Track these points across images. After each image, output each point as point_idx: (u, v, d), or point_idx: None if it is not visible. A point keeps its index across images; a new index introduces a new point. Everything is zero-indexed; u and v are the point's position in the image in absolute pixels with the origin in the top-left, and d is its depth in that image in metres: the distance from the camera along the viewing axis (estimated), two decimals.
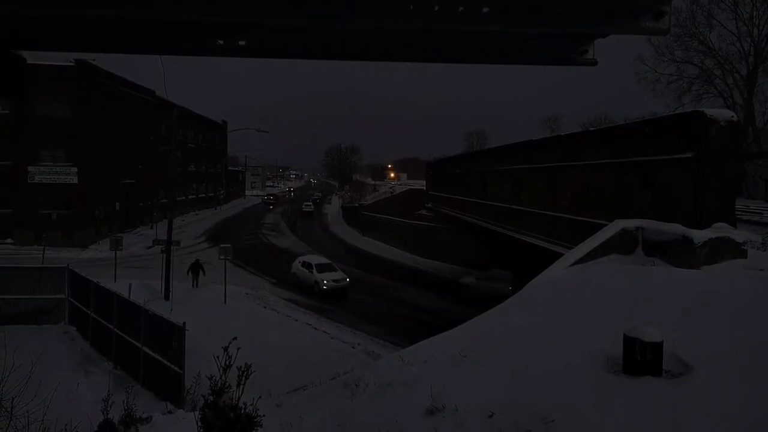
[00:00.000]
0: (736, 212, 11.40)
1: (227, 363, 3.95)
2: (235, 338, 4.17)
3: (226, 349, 3.99)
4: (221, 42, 18.36)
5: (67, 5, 14.64)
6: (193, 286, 24.42)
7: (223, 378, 4.04)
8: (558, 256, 12.22)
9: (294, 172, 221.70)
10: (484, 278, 24.85)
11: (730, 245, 9.47)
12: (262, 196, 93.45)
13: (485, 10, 15.64)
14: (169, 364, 12.81)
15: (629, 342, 5.30)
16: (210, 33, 17.89)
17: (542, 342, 6.68)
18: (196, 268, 24.96)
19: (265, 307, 22.86)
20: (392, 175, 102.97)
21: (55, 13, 15.32)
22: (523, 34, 17.55)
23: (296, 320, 21.25)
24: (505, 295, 13.47)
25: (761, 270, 8.36)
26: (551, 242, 16.45)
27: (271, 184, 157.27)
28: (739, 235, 9.75)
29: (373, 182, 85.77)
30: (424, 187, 46.78)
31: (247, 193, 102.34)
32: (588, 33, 18.23)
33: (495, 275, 24.50)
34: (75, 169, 35.70)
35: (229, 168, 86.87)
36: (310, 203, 74.64)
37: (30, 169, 35.14)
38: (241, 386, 3.98)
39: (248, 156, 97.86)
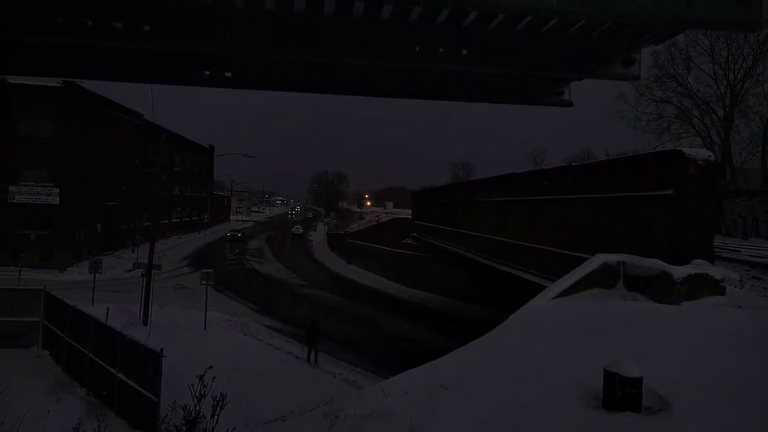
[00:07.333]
0: (715, 249, 11.57)
1: (202, 392, 3.86)
2: (211, 367, 4.08)
3: (201, 378, 3.89)
4: (207, 73, 18.50)
5: (61, 34, 14.66)
6: (308, 359, 19.36)
7: (197, 408, 3.94)
8: (539, 287, 12.25)
9: (280, 198, 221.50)
10: None
11: (708, 282, 9.58)
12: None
13: (464, 52, 16.16)
14: (144, 391, 12.43)
15: (609, 377, 5.30)
16: (196, 63, 18.03)
17: (524, 375, 6.65)
18: (313, 334, 19.49)
19: (245, 335, 22.46)
20: (368, 203, 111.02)
21: (45, 41, 15.29)
22: (501, 75, 18.08)
23: (278, 348, 20.91)
24: None
25: (739, 307, 8.46)
26: (533, 274, 16.52)
27: (257, 209, 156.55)
28: (717, 272, 9.87)
29: (359, 210, 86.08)
30: (410, 216, 46.90)
31: (233, 217, 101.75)
32: (562, 76, 18.79)
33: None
34: (57, 190, 35.24)
35: (215, 192, 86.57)
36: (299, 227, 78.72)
37: (11, 188, 34.60)
38: (216, 417, 3.88)
39: (234, 181, 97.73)
